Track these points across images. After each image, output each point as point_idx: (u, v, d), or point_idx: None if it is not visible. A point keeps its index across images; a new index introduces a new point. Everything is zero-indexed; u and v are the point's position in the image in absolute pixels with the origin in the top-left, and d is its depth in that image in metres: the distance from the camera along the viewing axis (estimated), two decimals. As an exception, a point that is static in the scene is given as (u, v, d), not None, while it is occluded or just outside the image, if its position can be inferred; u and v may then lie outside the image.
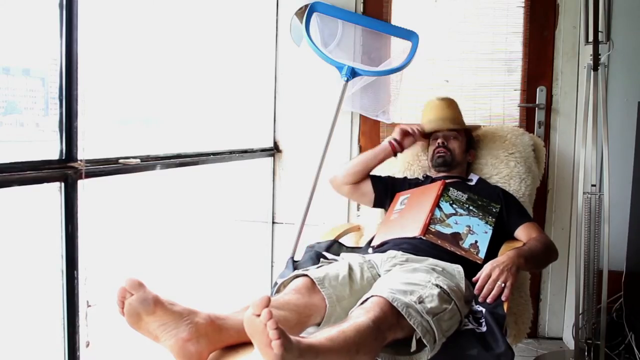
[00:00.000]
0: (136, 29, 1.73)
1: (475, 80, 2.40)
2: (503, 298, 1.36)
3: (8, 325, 1.35)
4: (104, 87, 1.51)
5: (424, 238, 1.55)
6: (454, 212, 1.63)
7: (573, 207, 2.27)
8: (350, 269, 1.40)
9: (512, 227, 1.73)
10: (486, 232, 1.60)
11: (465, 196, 1.70)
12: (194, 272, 1.99)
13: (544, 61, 2.32)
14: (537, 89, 2.34)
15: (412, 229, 1.60)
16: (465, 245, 1.56)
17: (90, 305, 1.22)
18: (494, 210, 1.69)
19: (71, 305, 1.19)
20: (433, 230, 1.57)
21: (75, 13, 1.16)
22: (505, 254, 1.48)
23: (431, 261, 1.47)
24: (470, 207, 1.66)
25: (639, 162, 2.11)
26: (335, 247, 1.73)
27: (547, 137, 2.32)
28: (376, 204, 1.94)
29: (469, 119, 2.28)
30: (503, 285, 1.38)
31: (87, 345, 1.21)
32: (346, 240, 1.94)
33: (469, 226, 1.60)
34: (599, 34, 1.93)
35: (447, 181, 1.79)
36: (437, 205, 1.64)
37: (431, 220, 1.59)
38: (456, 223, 1.60)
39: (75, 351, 1.20)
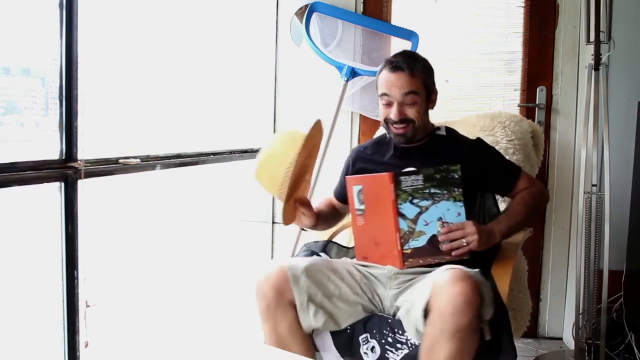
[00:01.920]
0: (136, 29, 1.73)
1: (475, 80, 2.40)
2: (454, 253, 1.35)
3: (8, 325, 1.35)
4: (104, 87, 1.51)
5: (406, 267, 1.39)
6: (418, 210, 1.38)
7: (573, 207, 2.27)
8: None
9: (505, 192, 1.60)
10: (459, 214, 1.41)
11: (421, 177, 1.38)
12: (193, 272, 1.99)
13: (544, 61, 2.32)
14: (537, 89, 2.34)
15: (390, 259, 1.41)
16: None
17: (89, 306, 1.22)
18: (456, 177, 1.39)
19: (71, 305, 1.19)
20: (409, 251, 1.37)
21: (75, 13, 1.16)
22: (485, 227, 1.42)
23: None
24: (432, 190, 1.38)
25: (639, 162, 2.11)
26: (330, 246, 1.73)
27: (547, 137, 2.32)
28: None
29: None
30: (465, 244, 1.35)
31: (86, 346, 1.21)
32: (341, 239, 1.93)
33: (440, 219, 1.39)
34: (600, 33, 1.93)
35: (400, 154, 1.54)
36: (398, 214, 1.36)
37: (402, 241, 1.36)
38: (426, 224, 1.38)
39: (76, 351, 1.20)
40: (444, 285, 1.18)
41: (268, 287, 1.33)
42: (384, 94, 1.52)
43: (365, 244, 1.50)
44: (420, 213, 1.38)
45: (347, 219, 2.14)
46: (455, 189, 1.39)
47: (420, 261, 1.36)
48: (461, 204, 1.40)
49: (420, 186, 1.37)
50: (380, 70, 1.56)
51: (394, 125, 1.53)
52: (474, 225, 1.36)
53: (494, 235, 1.42)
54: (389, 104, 1.52)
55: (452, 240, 1.37)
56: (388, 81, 1.51)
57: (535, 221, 1.85)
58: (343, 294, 1.38)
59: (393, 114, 1.50)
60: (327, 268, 1.42)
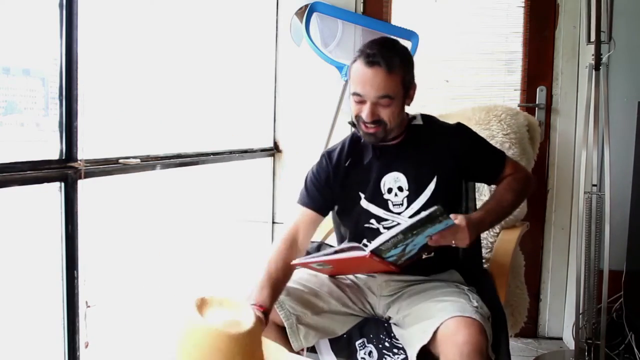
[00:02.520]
0: (136, 29, 1.73)
1: (475, 80, 2.40)
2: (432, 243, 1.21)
3: (8, 325, 1.35)
4: (104, 87, 1.51)
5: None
6: (403, 246, 1.21)
7: (573, 207, 2.27)
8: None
9: (490, 180, 1.51)
10: (446, 223, 1.22)
11: (400, 235, 1.16)
12: (193, 272, 1.99)
13: (544, 61, 2.32)
14: (537, 89, 2.34)
15: (382, 270, 1.31)
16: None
17: (89, 306, 1.22)
18: (438, 214, 1.16)
19: (71, 305, 1.19)
20: (403, 262, 1.26)
21: (75, 13, 1.16)
22: (476, 213, 1.33)
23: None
24: (415, 232, 1.17)
25: (639, 162, 2.11)
26: (323, 248, 1.69)
27: (547, 137, 2.32)
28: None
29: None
30: (453, 245, 1.23)
31: (86, 346, 1.21)
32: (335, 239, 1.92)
33: (429, 236, 1.21)
34: (601, 33, 1.93)
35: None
36: (385, 261, 1.22)
37: (395, 264, 1.24)
38: (414, 244, 1.22)
39: (76, 351, 1.20)
40: (450, 335, 1.14)
41: None
42: (356, 93, 1.35)
43: (341, 273, 1.44)
44: (405, 246, 1.22)
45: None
46: (440, 218, 1.18)
47: (415, 258, 1.28)
48: (445, 217, 1.19)
49: (401, 238, 1.19)
50: (355, 60, 1.36)
51: (365, 124, 1.36)
52: (466, 226, 1.22)
53: (483, 227, 1.33)
54: (361, 102, 1.35)
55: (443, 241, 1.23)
56: (362, 77, 1.33)
57: (521, 204, 1.52)
58: (333, 308, 1.36)
59: (365, 113, 1.33)
60: (313, 284, 1.39)
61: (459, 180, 1.46)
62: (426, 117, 1.49)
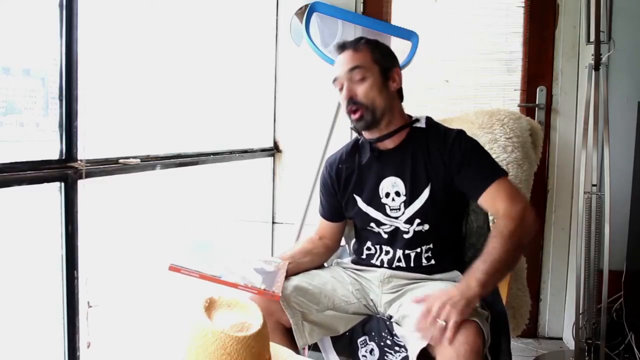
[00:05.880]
0: (136, 29, 1.73)
1: (475, 80, 2.40)
2: (445, 342, 1.10)
3: (8, 325, 1.35)
4: (104, 87, 1.51)
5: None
6: None
7: (573, 207, 2.27)
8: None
9: (474, 193, 1.33)
10: None
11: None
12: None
13: (544, 61, 2.33)
14: (537, 89, 2.34)
15: None
16: None
17: (91, 306, 1.22)
18: None
19: (71, 305, 1.19)
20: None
21: (75, 13, 1.16)
22: (457, 285, 1.20)
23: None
24: None
25: (639, 162, 2.11)
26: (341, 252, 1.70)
27: (547, 137, 2.32)
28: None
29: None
30: (444, 324, 1.11)
31: (88, 346, 1.21)
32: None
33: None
34: (600, 33, 1.93)
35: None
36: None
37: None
38: None
39: (76, 351, 1.20)
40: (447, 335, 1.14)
41: None
42: (334, 80, 1.38)
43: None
44: None
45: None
46: None
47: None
48: None
49: None
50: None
51: (350, 112, 1.35)
52: (434, 296, 1.15)
53: (464, 288, 1.16)
54: (341, 89, 1.36)
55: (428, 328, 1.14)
56: (335, 65, 1.38)
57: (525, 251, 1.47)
58: (337, 306, 1.37)
59: (342, 95, 1.34)
60: (318, 282, 1.40)
61: (456, 189, 1.36)
62: (430, 122, 1.44)
